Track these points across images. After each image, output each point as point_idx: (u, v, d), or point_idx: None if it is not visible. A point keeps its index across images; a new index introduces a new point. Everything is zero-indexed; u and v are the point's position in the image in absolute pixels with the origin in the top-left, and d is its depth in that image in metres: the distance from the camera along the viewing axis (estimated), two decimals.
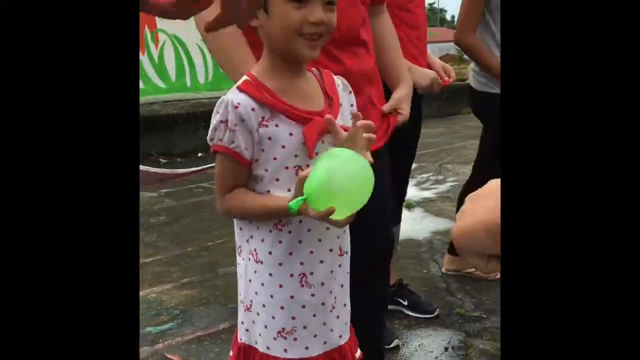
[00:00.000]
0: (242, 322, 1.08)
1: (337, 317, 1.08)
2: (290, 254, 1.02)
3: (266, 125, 0.97)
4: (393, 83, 1.54)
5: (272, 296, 1.02)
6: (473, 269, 2.62)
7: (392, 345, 1.99)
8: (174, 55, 6.98)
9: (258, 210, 0.99)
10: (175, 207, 4.02)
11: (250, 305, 1.05)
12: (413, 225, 3.39)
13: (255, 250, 1.03)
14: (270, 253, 1.02)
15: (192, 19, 0.88)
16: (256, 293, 1.04)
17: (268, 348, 1.04)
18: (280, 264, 1.02)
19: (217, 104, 0.98)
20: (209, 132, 0.99)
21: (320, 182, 0.90)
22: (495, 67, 2.29)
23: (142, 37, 6.75)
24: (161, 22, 6.81)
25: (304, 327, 1.03)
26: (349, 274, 1.10)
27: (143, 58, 6.76)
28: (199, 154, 6.26)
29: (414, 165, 2.45)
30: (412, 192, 3.99)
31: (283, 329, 1.03)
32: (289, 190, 0.98)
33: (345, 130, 1.01)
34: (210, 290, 2.50)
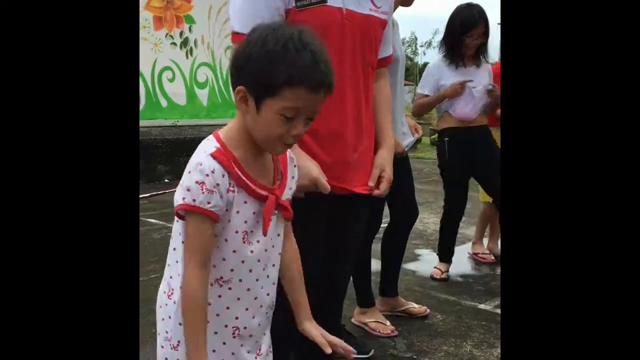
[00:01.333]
0: (166, 359, 1.14)
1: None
2: (228, 308, 1.11)
3: (232, 191, 1.06)
4: (375, 145, 1.65)
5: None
6: (405, 307, 2.73)
7: None
8: None
9: (193, 331, 1.04)
10: None
11: (178, 345, 1.12)
12: None
13: None
14: (209, 304, 1.09)
15: None
16: None
17: None
18: (218, 315, 1.11)
19: (190, 165, 1.04)
20: (180, 191, 1.04)
21: None
22: None
23: None
24: None
25: None
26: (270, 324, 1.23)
27: None
28: None
29: None
30: None
31: None
32: (234, 251, 1.09)
33: (286, 207, 1.15)
34: (145, 327, 2.45)
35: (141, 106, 7.12)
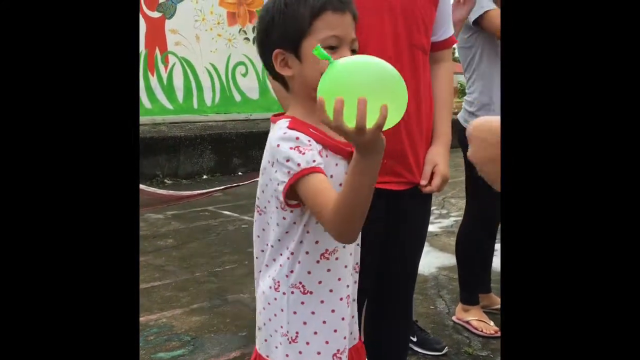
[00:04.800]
0: (287, 355, 1.08)
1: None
2: (339, 279, 1.08)
3: (321, 156, 1.01)
4: (432, 138, 1.54)
5: (324, 322, 1.07)
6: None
7: None
8: (182, 77, 7.08)
9: (358, 183, 0.91)
10: (183, 230, 4.04)
11: (297, 337, 1.07)
12: None
13: (301, 282, 1.06)
14: (320, 282, 1.06)
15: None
16: (305, 323, 1.07)
17: None
18: (331, 291, 1.08)
19: (273, 146, 1.01)
20: (280, 173, 0.99)
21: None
22: None
23: (152, 58, 6.83)
24: (171, 45, 6.91)
25: (345, 338, 1.11)
26: None
27: (152, 79, 6.83)
28: (204, 177, 6.29)
29: None
30: None
31: (338, 350, 1.08)
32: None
33: None
34: (220, 317, 2.52)
35: (216, 101, 7.32)
